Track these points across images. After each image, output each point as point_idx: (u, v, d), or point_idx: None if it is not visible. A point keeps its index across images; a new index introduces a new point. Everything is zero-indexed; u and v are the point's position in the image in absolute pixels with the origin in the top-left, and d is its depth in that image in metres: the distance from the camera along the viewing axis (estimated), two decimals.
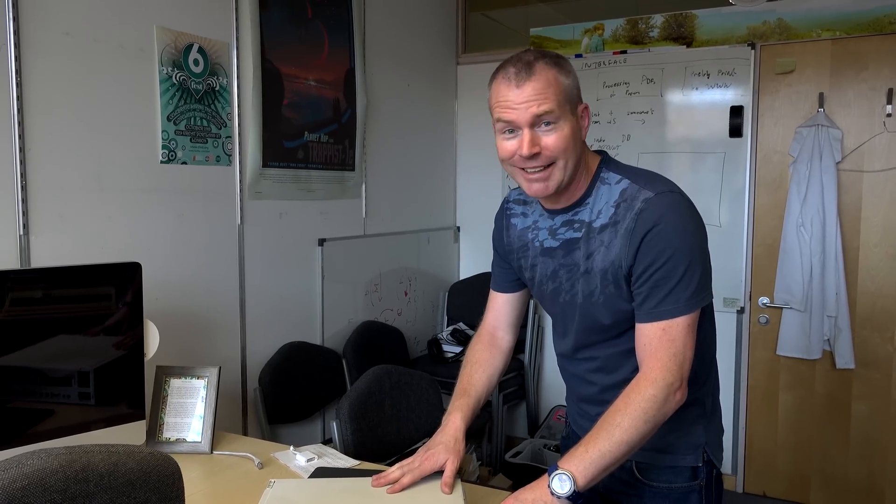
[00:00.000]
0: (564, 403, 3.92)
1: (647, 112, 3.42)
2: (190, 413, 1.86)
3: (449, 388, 1.67)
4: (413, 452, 2.55)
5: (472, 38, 3.99)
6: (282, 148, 2.64)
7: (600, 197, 1.30)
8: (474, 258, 3.94)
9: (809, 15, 3.07)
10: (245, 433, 2.51)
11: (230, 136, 2.43)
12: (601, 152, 1.35)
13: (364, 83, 3.05)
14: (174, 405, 1.86)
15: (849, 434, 3.15)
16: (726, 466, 3.37)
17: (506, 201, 1.51)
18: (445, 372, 3.04)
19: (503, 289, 1.56)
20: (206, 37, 2.31)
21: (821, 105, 3.07)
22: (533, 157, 1.23)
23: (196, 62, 2.28)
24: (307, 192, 2.80)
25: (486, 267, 1.70)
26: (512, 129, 1.24)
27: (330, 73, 2.88)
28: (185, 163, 2.27)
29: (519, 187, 1.38)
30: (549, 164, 1.24)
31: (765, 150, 3.22)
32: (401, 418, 2.34)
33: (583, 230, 1.31)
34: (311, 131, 2.79)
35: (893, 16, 2.92)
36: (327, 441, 2.76)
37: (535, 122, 1.22)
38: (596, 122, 3.53)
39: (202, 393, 1.87)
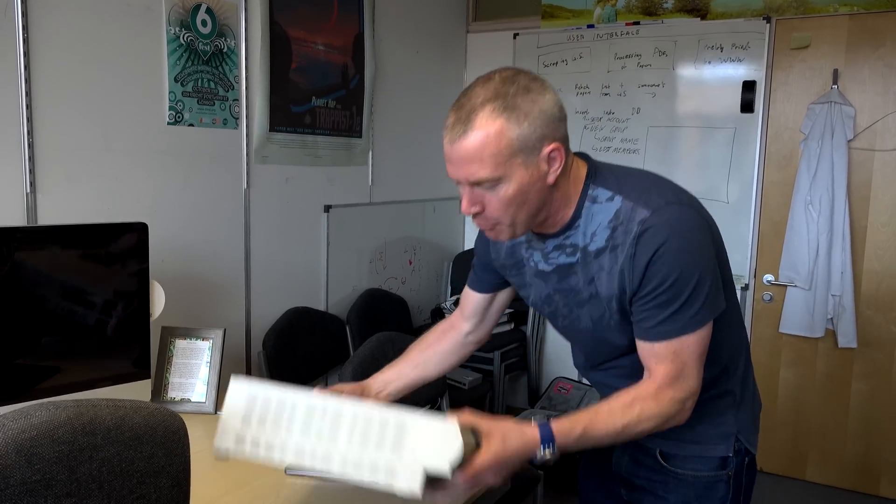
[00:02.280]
0: (565, 375, 3.94)
1: (658, 85, 3.38)
2: (194, 374, 1.88)
3: None
4: None
5: (483, 5, 3.93)
6: (289, 112, 2.63)
7: (592, 218, 1.18)
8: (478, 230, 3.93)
9: None
10: None
11: (237, 99, 2.41)
12: (585, 158, 1.23)
13: (373, 49, 3.02)
14: (179, 365, 1.88)
15: (848, 412, 3.16)
16: None
17: None
18: None
19: (481, 289, 1.46)
20: None
21: (835, 82, 3.03)
22: (475, 215, 1.15)
23: (204, 23, 2.25)
24: (314, 157, 2.78)
25: None
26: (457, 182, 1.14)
27: (338, 37, 2.84)
28: (191, 125, 2.26)
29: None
30: (497, 222, 1.15)
31: (776, 126, 3.18)
32: None
33: (577, 255, 1.21)
34: (319, 96, 2.77)
35: None
36: None
37: (473, 184, 1.11)
38: (606, 95, 3.50)
39: (207, 354, 1.89)
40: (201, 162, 2.32)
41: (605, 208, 1.17)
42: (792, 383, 3.26)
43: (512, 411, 3.58)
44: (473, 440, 1.05)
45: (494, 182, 1.09)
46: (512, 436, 1.07)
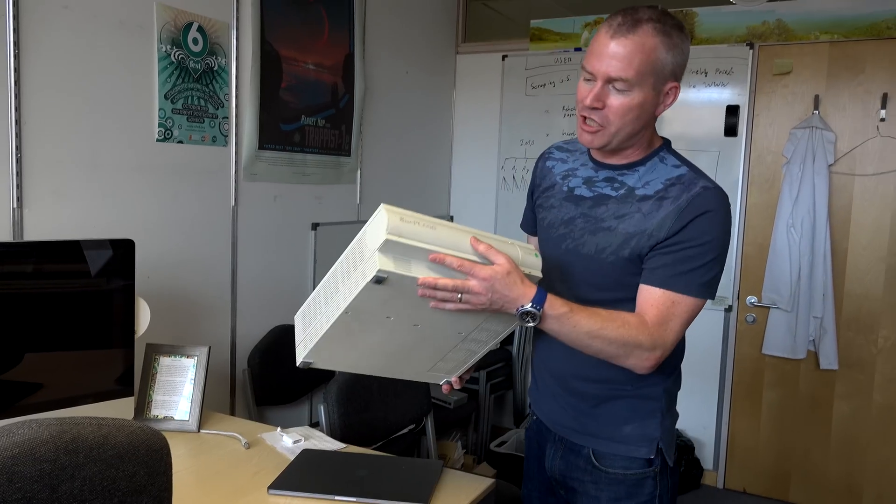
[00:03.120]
0: None
1: None
2: (178, 391, 1.87)
3: None
4: (400, 439, 2.58)
5: (473, 27, 3.98)
6: (278, 130, 2.64)
7: (653, 170, 1.33)
8: None
9: (808, 17, 3.08)
10: (233, 414, 2.53)
11: (227, 117, 2.42)
12: (666, 140, 1.39)
13: (363, 69, 3.05)
14: (163, 383, 1.87)
15: (830, 433, 3.19)
16: (708, 462, 3.41)
17: (549, 147, 1.55)
18: None
19: (527, 229, 1.61)
20: (206, 16, 2.31)
21: (816, 107, 3.09)
22: (593, 109, 1.26)
23: (195, 41, 2.27)
24: (302, 175, 2.80)
25: None
26: (590, 76, 1.26)
27: (329, 57, 2.87)
28: (181, 142, 2.27)
29: (567, 139, 1.46)
30: (603, 125, 1.27)
31: (759, 150, 3.24)
32: (388, 403, 2.36)
33: (621, 191, 1.33)
34: (309, 115, 2.79)
35: (891, 20, 2.94)
36: (314, 424, 2.78)
37: (609, 80, 1.23)
38: None
39: (191, 372, 1.88)
40: (190, 179, 2.33)
41: (669, 170, 1.32)
42: (775, 404, 3.29)
43: (498, 432, 3.58)
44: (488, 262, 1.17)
45: (628, 86, 1.23)
46: (516, 275, 1.16)
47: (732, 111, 3.22)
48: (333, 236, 2.99)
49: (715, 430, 3.39)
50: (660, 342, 1.24)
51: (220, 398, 2.50)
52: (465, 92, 3.91)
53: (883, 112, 2.99)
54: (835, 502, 3.19)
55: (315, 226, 2.89)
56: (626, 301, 1.30)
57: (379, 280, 1.10)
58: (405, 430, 2.52)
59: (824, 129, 3.06)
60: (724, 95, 3.24)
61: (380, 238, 1.10)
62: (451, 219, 3.99)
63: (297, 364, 1.31)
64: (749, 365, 3.32)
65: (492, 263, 1.17)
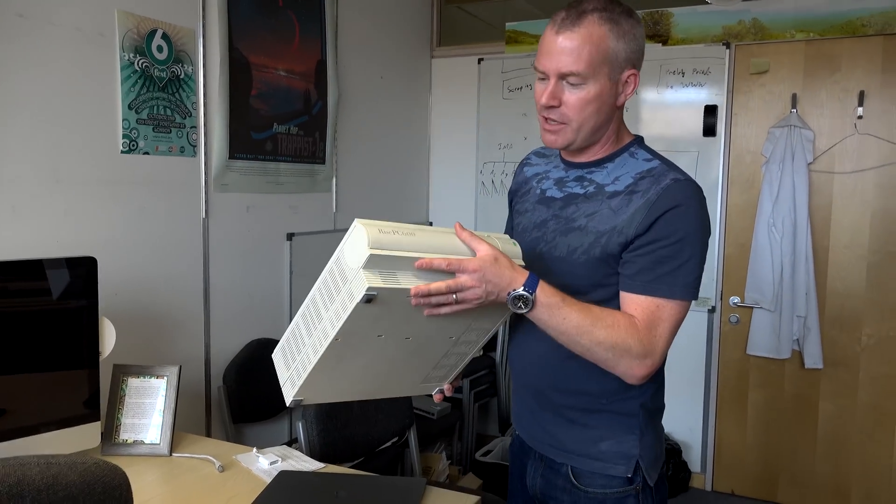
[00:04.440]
0: None
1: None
2: (148, 414, 1.79)
3: None
4: (382, 453, 2.51)
5: (447, 31, 3.93)
6: (249, 139, 2.57)
7: (623, 165, 1.29)
8: None
9: (784, 16, 3.07)
10: (208, 433, 2.44)
11: (195, 127, 2.35)
12: (638, 136, 1.35)
13: (336, 74, 2.98)
14: (132, 405, 1.79)
15: (816, 433, 3.17)
16: (695, 465, 3.38)
17: (528, 154, 1.53)
18: None
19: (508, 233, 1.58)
20: (171, 22, 2.23)
21: (794, 106, 3.08)
22: (550, 108, 1.23)
23: (160, 48, 2.19)
24: (275, 185, 2.72)
25: None
26: (542, 75, 1.24)
27: (300, 63, 2.80)
28: (147, 153, 2.19)
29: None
30: (563, 122, 1.24)
31: (738, 149, 3.22)
32: (369, 419, 2.29)
33: (590, 189, 1.30)
34: (281, 123, 2.72)
35: (866, 18, 2.94)
36: (293, 441, 2.70)
37: (562, 76, 1.21)
38: None
39: (162, 393, 1.80)
40: (157, 191, 2.25)
41: (640, 164, 1.28)
42: (760, 405, 3.27)
43: (483, 440, 3.52)
44: (471, 254, 1.13)
45: (581, 80, 1.19)
46: (504, 260, 1.13)
47: (711, 111, 3.20)
48: (309, 246, 2.92)
49: (702, 433, 3.36)
50: (650, 349, 1.19)
51: (194, 418, 2.42)
52: (442, 96, 3.86)
53: (860, 109, 2.98)
54: (823, 502, 3.18)
55: (290, 236, 2.82)
56: (603, 303, 1.25)
57: (369, 299, 1.04)
58: (387, 445, 2.46)
59: (802, 127, 3.05)
60: (701, 95, 3.22)
61: (362, 254, 1.04)
62: (431, 224, 3.93)
63: (287, 404, 1.24)
64: (734, 366, 3.30)
65: (475, 254, 1.13)
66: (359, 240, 1.06)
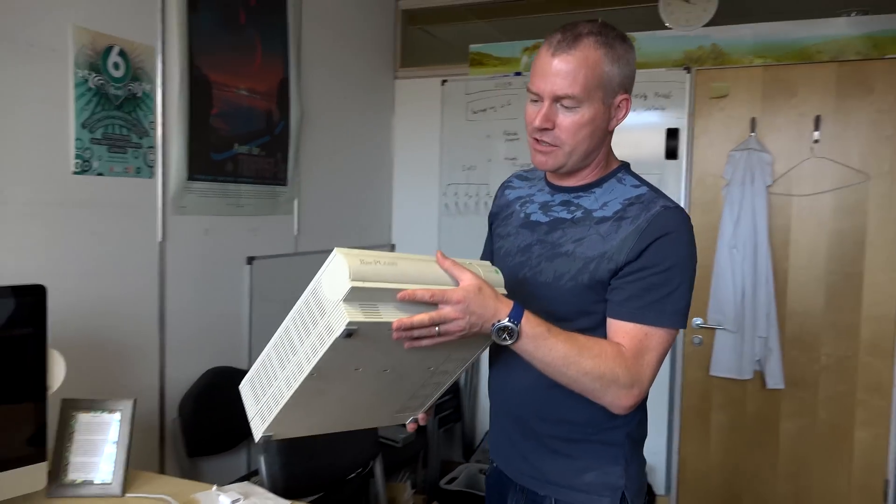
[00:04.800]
0: None
1: None
2: (99, 451, 1.69)
3: None
4: (346, 484, 2.42)
5: (411, 52, 3.91)
6: (209, 160, 2.48)
7: (611, 191, 1.28)
8: None
9: (742, 42, 3.13)
10: (162, 469, 2.32)
11: (153, 147, 2.25)
12: (625, 162, 1.36)
13: (298, 94, 2.92)
14: (81, 443, 1.68)
15: (777, 452, 3.20)
16: (660, 487, 3.37)
17: (510, 177, 1.50)
18: None
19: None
20: (128, 39, 2.14)
21: (752, 129, 3.14)
22: (543, 130, 1.22)
23: (116, 66, 2.10)
24: (236, 206, 2.64)
25: None
26: (536, 97, 1.23)
27: (262, 82, 2.73)
28: (101, 174, 2.09)
29: (528, 167, 1.43)
30: (556, 145, 1.23)
31: (699, 172, 3.26)
32: (334, 450, 2.21)
33: (577, 214, 1.28)
34: (242, 143, 2.64)
35: (820, 45, 3.02)
36: (252, 473, 2.60)
37: (556, 98, 1.20)
38: None
39: (114, 428, 1.70)
40: (111, 214, 2.14)
41: (628, 190, 1.27)
42: (724, 426, 3.28)
43: (447, 466, 3.45)
44: (454, 283, 1.10)
45: (576, 103, 1.19)
46: (487, 290, 1.10)
47: (672, 134, 3.24)
48: (270, 270, 2.83)
49: (666, 455, 3.36)
50: (637, 378, 1.16)
51: (147, 453, 2.29)
52: (405, 118, 3.82)
53: (816, 134, 3.05)
54: None
55: (250, 260, 2.73)
56: (588, 331, 1.23)
57: (349, 333, 0.99)
58: (353, 475, 2.38)
59: (761, 150, 3.11)
60: (663, 119, 3.26)
61: (343, 286, 0.99)
62: (393, 248, 3.88)
63: (256, 441, 1.19)
64: (697, 387, 3.31)
65: (457, 283, 1.09)
66: (338, 270, 1.01)
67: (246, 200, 2.69)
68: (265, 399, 1.15)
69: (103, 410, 1.71)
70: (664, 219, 1.19)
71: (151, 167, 2.26)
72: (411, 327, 1.04)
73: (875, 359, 3.03)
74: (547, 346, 1.12)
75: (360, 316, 1.00)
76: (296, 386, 1.07)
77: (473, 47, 3.65)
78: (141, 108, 2.20)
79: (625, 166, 1.33)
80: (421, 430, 3.18)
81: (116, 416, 1.70)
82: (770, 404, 3.20)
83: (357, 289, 0.99)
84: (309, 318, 1.06)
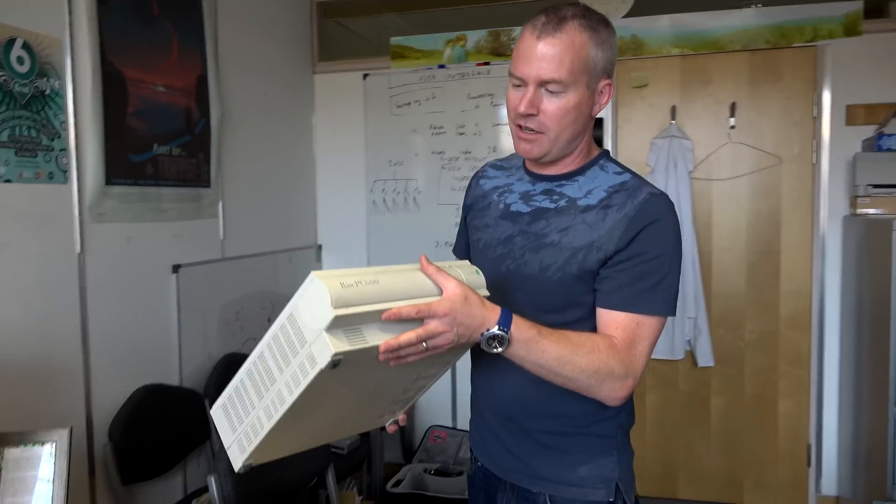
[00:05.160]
0: (438, 423, 3.81)
1: None
2: (30, 489, 1.51)
3: None
4: (297, 498, 2.31)
5: (328, 46, 3.79)
6: (128, 162, 2.29)
7: (594, 178, 1.25)
8: None
9: (660, 32, 3.22)
10: (93, 501, 2.13)
11: (65, 149, 2.05)
12: (605, 150, 1.32)
13: (218, 90, 2.75)
14: (11, 481, 1.50)
15: (709, 428, 3.33)
16: None
17: (483, 166, 1.45)
18: None
19: (459, 254, 1.50)
20: (33, 30, 1.94)
21: (673, 117, 3.24)
22: (528, 116, 1.18)
23: (20, 60, 1.90)
24: (158, 212, 2.45)
25: None
26: (519, 82, 1.18)
27: (180, 78, 2.56)
28: (8, 181, 1.88)
29: (501, 157, 1.40)
30: (541, 131, 1.19)
31: (624, 160, 3.22)
32: (287, 462, 2.08)
33: (561, 203, 1.25)
34: (161, 143, 2.45)
35: (732, 35, 3.15)
36: (193, 495, 2.43)
37: (542, 83, 1.15)
38: (462, 134, 3.48)
39: (48, 462, 1.53)
40: (23, 225, 1.93)
41: (611, 178, 1.24)
42: (658, 406, 3.38)
43: (390, 469, 3.37)
44: (438, 291, 1.04)
45: (561, 88, 1.15)
46: (474, 298, 1.05)
47: (597, 124, 3.29)
48: (197, 278, 2.66)
49: None
50: (631, 368, 1.14)
51: (76, 484, 2.09)
52: (326, 113, 3.70)
53: (732, 120, 3.18)
54: (719, 494, 3.33)
55: (176, 268, 2.55)
56: (577, 323, 1.20)
57: (335, 364, 0.93)
58: (310, 484, 2.27)
59: (682, 137, 3.21)
60: None
61: (325, 316, 0.92)
62: (320, 248, 3.75)
63: (236, 470, 1.11)
64: None
65: (441, 292, 1.04)
66: (318, 298, 0.93)
67: (169, 205, 2.51)
68: (242, 428, 1.08)
69: (34, 443, 1.53)
70: (652, 206, 1.17)
71: (65, 172, 2.06)
72: (398, 347, 0.98)
73: (794, 332, 3.20)
74: (539, 349, 1.09)
75: (345, 345, 0.93)
76: (277, 417, 1.01)
77: (394, 40, 3.58)
78: (50, 106, 2.00)
79: (605, 153, 1.30)
80: (364, 435, 3.10)
81: (50, 447, 1.53)
82: (701, 382, 3.32)
83: (341, 317, 0.93)
84: (287, 346, 0.98)
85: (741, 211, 3.23)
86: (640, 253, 1.16)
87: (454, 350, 1.13)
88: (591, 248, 1.18)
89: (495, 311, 1.06)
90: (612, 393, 1.14)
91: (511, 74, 1.19)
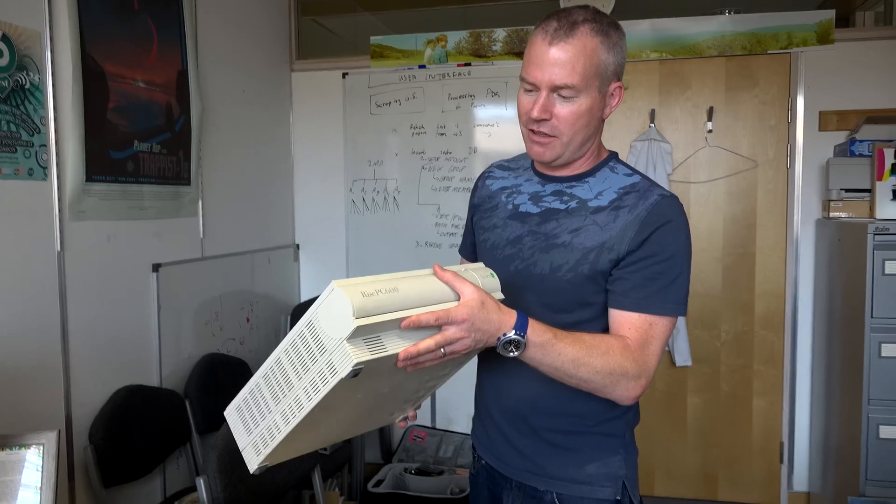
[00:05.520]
0: (418, 423, 3.79)
1: (492, 125, 3.43)
2: (14, 494, 1.47)
3: None
4: (281, 499, 2.28)
5: (308, 44, 3.76)
6: (108, 159, 2.24)
7: (604, 180, 1.26)
8: (316, 278, 3.70)
9: (640, 37, 3.26)
10: None
11: (45, 145, 2.00)
12: (613, 152, 1.33)
13: (198, 87, 2.71)
14: None
15: (686, 426, 3.38)
16: None
17: (489, 167, 1.46)
18: None
19: (465, 253, 1.50)
20: (11, 22, 1.88)
21: (652, 121, 3.28)
22: (541, 121, 1.19)
23: None
24: (139, 210, 2.41)
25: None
26: (531, 87, 1.19)
27: (160, 74, 2.51)
28: None
29: (507, 158, 1.41)
30: (554, 135, 1.20)
31: None
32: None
33: (572, 204, 1.26)
34: (142, 140, 2.41)
35: (710, 41, 3.20)
36: (174, 496, 2.39)
37: (554, 88, 1.17)
38: (442, 135, 3.48)
39: (35, 466, 1.49)
40: (2, 222, 1.88)
41: (622, 179, 1.25)
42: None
43: (370, 469, 3.36)
44: (455, 297, 1.05)
45: (574, 93, 1.16)
46: (490, 303, 1.06)
47: None
48: (177, 277, 2.62)
49: None
50: (644, 368, 1.15)
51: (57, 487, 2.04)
52: (305, 112, 3.67)
53: (710, 124, 3.24)
54: (694, 490, 3.39)
55: (156, 267, 2.50)
56: (587, 323, 1.22)
57: (356, 373, 0.93)
58: (290, 488, 2.24)
59: (661, 140, 3.26)
60: None
61: (346, 326, 0.93)
62: (298, 247, 3.72)
63: (252, 471, 1.11)
64: None
65: (458, 297, 1.05)
66: (340, 307, 0.94)
67: (149, 203, 2.46)
68: (258, 431, 1.09)
69: (19, 446, 1.49)
70: (663, 207, 1.19)
71: (45, 168, 2.01)
72: (417, 355, 0.99)
73: (768, 332, 3.27)
74: (555, 352, 1.10)
75: (366, 354, 0.94)
76: (295, 422, 1.02)
77: (374, 39, 3.56)
78: (30, 101, 1.95)
79: (614, 155, 1.31)
80: None
81: (37, 450, 1.49)
82: (678, 381, 3.37)
83: (363, 327, 0.93)
84: (306, 353, 0.99)
85: (718, 213, 3.28)
86: (652, 254, 1.17)
87: (469, 353, 1.14)
88: (602, 249, 1.19)
89: (512, 316, 1.07)
90: (625, 393, 1.15)
91: (523, 79, 1.20)
